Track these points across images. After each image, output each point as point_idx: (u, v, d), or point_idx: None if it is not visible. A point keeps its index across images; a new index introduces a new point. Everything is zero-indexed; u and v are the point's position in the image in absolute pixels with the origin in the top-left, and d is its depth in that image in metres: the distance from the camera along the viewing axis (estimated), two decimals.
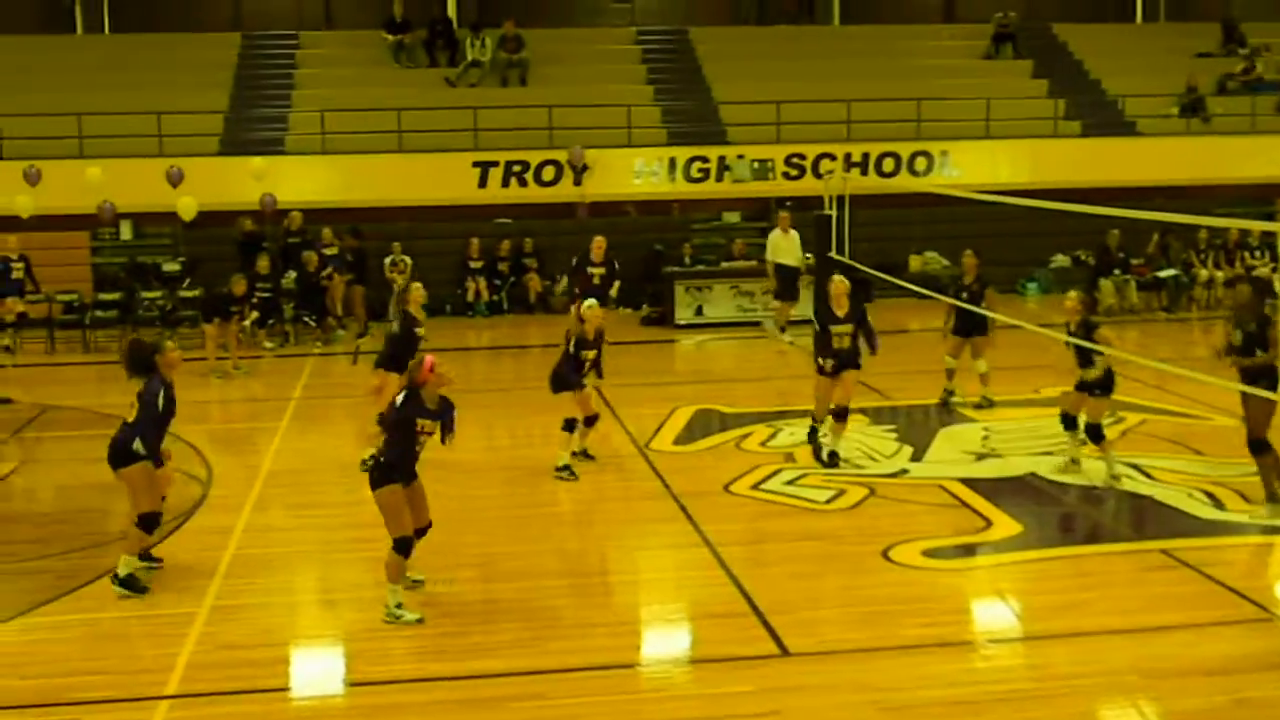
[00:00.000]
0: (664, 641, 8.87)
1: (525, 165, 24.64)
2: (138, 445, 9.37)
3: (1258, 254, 23.34)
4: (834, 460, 12.56)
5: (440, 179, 24.37)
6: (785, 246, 20.31)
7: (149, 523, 9.53)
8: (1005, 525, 10.82)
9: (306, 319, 21.66)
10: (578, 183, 24.61)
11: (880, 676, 7.86)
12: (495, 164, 24.58)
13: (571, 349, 12.69)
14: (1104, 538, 10.88)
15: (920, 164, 25.59)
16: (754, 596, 9.20)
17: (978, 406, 14.90)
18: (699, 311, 22.24)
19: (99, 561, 10.13)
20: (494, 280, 23.90)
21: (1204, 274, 23.50)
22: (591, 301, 13.29)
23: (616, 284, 18.75)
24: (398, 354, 12.74)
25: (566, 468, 12.49)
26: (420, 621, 8.83)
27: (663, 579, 10.04)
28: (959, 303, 14.66)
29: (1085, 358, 11.88)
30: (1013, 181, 23.80)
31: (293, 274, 21.78)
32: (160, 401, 9.49)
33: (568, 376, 12.61)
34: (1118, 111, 27.55)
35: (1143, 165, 25.67)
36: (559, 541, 10.79)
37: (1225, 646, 8.20)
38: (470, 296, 23.71)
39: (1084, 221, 15.19)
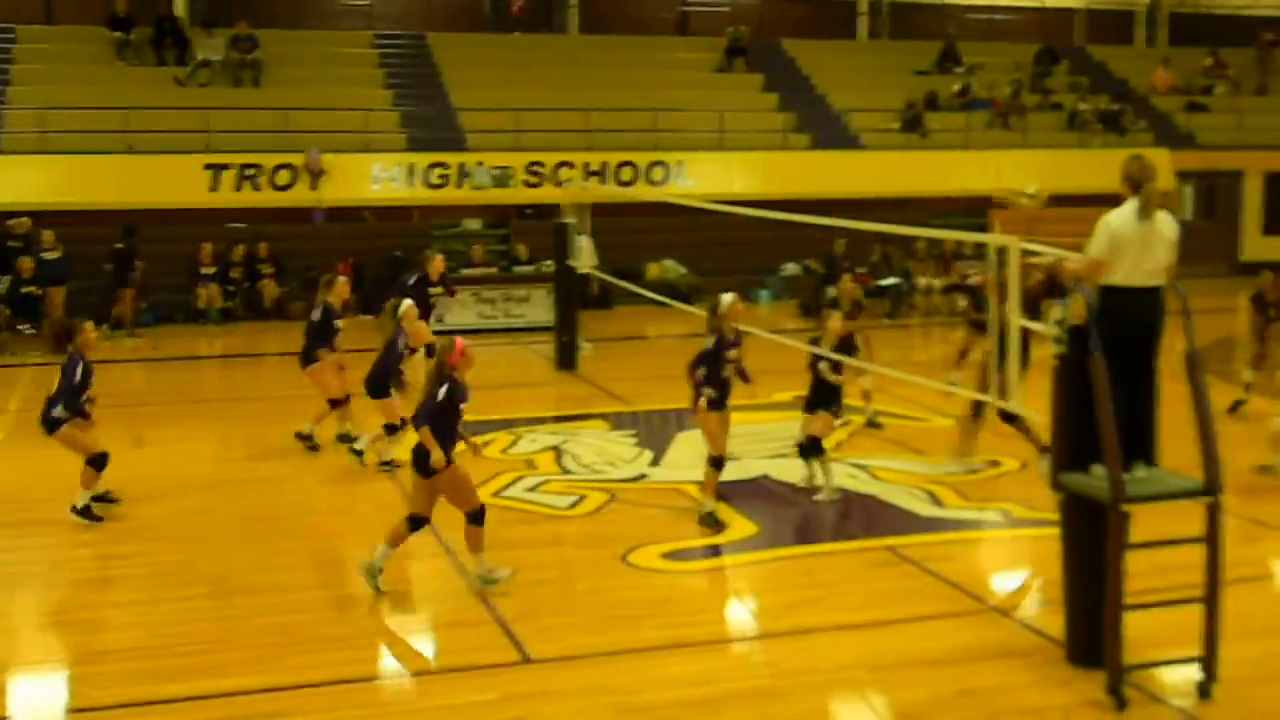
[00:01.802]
0: (405, 653, 8.76)
1: (259, 168, 23.97)
2: (58, 411, 11.04)
3: (972, 262, 24.50)
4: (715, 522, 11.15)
5: (169, 181, 23.47)
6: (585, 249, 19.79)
7: (99, 461, 11.16)
8: (741, 527, 11.07)
9: (23, 327, 20.59)
10: (314, 187, 24.09)
11: (621, 679, 7.94)
12: (228, 167, 23.82)
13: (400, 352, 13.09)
14: (834, 537, 11.23)
15: (657, 174, 25.99)
16: (496, 605, 9.17)
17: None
18: (439, 319, 22.01)
19: None
20: (227, 287, 23.17)
21: (923, 282, 24.57)
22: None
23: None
24: (313, 345, 13.49)
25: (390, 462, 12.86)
26: (509, 575, 9.36)
27: (404, 590, 9.90)
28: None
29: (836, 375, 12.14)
30: (745, 192, 24.41)
31: (8, 279, 20.69)
32: (79, 373, 11.12)
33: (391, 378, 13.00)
34: (843, 126, 28.57)
35: (866, 177, 26.69)
36: (297, 555, 10.53)
37: (947, 638, 8.59)
38: (202, 303, 22.93)
39: (812, 231, 15.68)
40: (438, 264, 16.90)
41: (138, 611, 9.15)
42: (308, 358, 13.60)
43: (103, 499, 11.44)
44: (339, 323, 13.67)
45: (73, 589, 9.72)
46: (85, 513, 11.12)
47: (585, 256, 19.05)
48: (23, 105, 23.91)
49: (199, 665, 8.19)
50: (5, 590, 9.76)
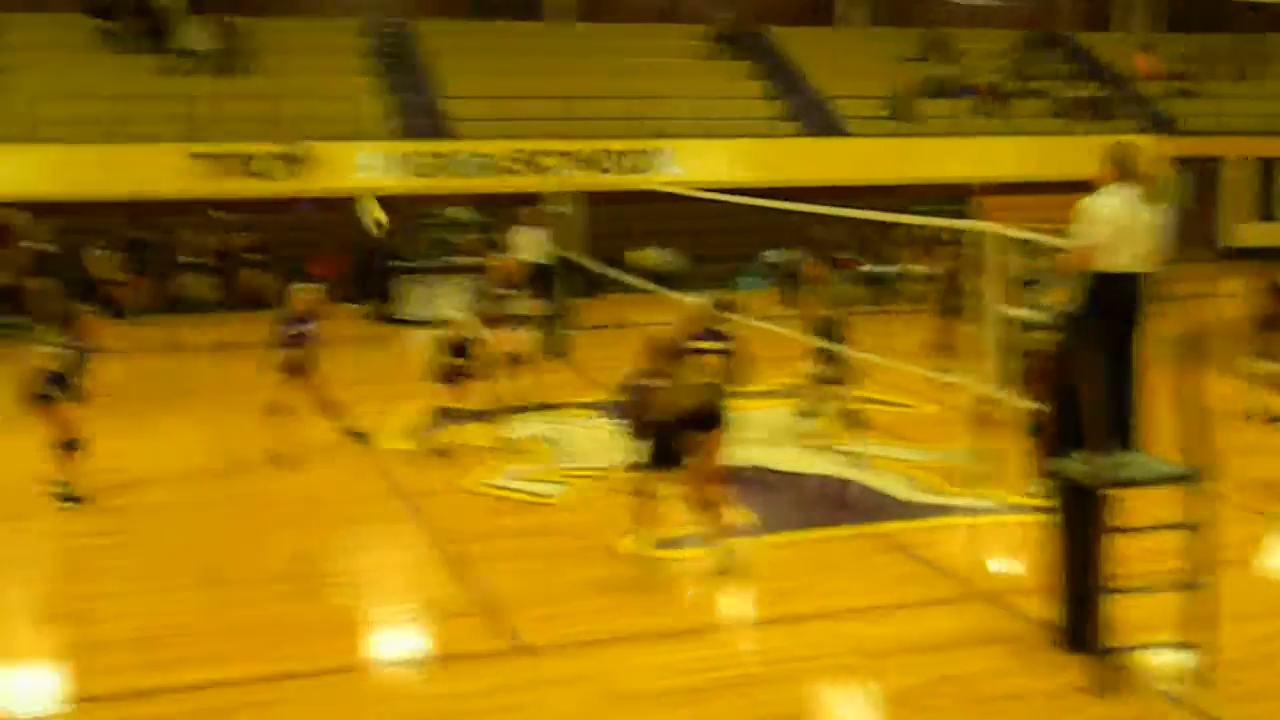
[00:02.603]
0: (395, 642, 8.77)
1: (245, 158, 23.90)
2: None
3: (956, 248, 24.43)
4: None
5: (154, 170, 23.42)
6: (524, 242, 19.70)
7: (73, 445, 11.31)
8: (734, 513, 11.07)
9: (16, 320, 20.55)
10: (300, 176, 24.03)
11: (613, 668, 7.96)
12: (213, 155, 23.76)
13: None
14: (825, 523, 11.18)
15: (643, 161, 25.97)
16: (487, 593, 9.18)
17: None
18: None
19: None
20: (212, 276, 23.11)
21: (906, 269, 24.54)
22: None
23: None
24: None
25: None
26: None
27: (393, 579, 9.91)
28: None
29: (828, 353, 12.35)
30: (731, 179, 24.34)
31: None
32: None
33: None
34: (830, 112, 28.57)
35: (853, 164, 26.71)
36: (285, 544, 10.51)
37: (934, 624, 8.63)
38: (187, 293, 22.87)
39: (799, 218, 15.69)
40: (507, 266, 15.34)
41: (127, 603, 9.14)
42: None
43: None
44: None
45: (62, 580, 9.72)
46: (69, 497, 11.33)
47: (531, 248, 18.93)
48: (6, 94, 23.80)
49: (189, 656, 8.19)
50: None
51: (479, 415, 13.80)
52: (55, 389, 11.28)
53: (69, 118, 23.21)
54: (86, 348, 11.59)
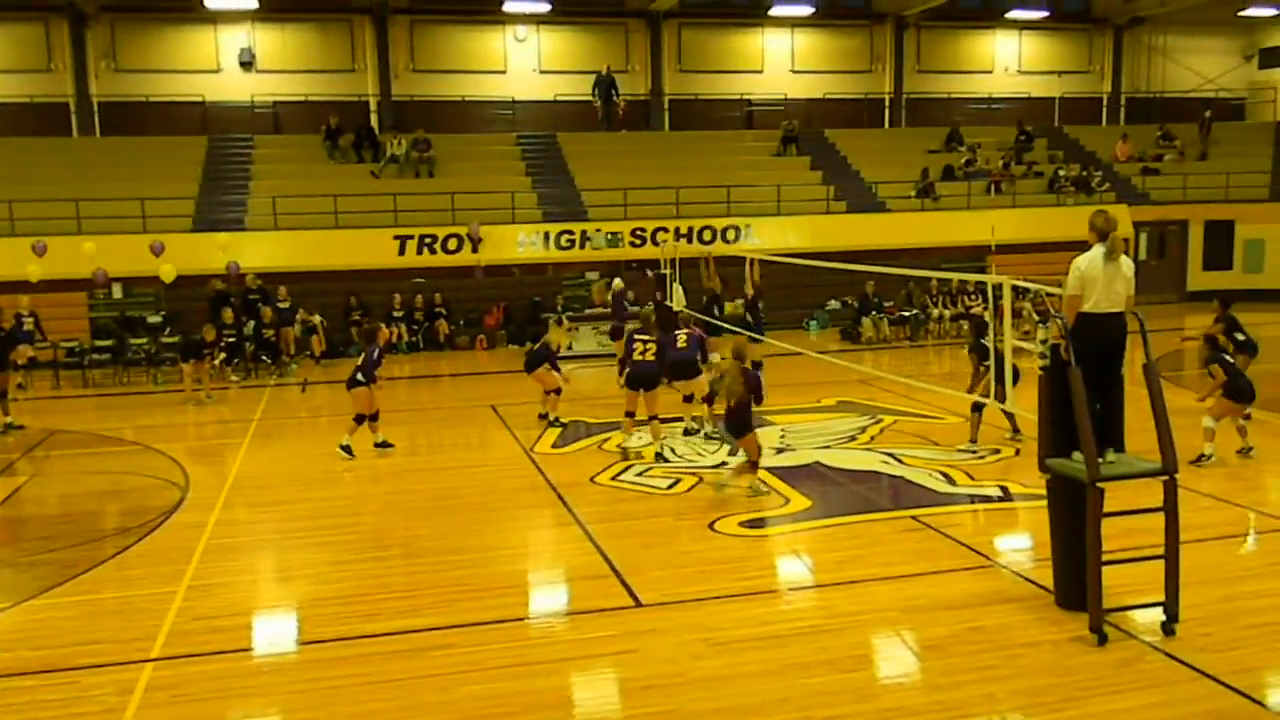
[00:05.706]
0: (545, 599, 8.73)
1: (434, 238, 24.30)
2: (360, 377, 13.18)
3: (974, 297, 24.06)
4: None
5: (367, 249, 23.91)
6: (678, 293, 19.53)
7: (361, 419, 13.32)
8: (799, 501, 10.91)
9: (264, 357, 21.05)
10: (475, 251, 24.36)
11: (710, 620, 7.84)
12: (410, 237, 24.19)
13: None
14: (871, 509, 10.97)
15: (731, 234, 25.86)
16: (614, 561, 9.12)
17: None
18: (570, 347, 22.08)
19: (95, 553, 9.69)
20: (412, 325, 23.50)
21: (936, 312, 24.12)
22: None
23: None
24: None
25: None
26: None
27: (543, 551, 9.92)
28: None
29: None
30: (798, 246, 24.23)
31: (252, 323, 21.16)
32: (376, 355, 13.26)
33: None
34: (872, 194, 28.22)
35: (891, 233, 26.33)
36: (464, 525, 10.55)
37: (961, 588, 8.37)
38: (394, 339, 23.28)
39: (849, 275, 15.48)
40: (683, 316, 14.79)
41: (345, 568, 9.25)
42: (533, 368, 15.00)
43: (382, 445, 13.45)
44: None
45: (298, 551, 9.84)
46: (346, 450, 13.08)
47: (678, 298, 18.94)
48: (261, 195, 24.52)
49: (393, 609, 8.25)
50: (249, 553, 9.93)
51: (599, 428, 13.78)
52: (364, 377, 13.18)
53: (303, 210, 23.84)
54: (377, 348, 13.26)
